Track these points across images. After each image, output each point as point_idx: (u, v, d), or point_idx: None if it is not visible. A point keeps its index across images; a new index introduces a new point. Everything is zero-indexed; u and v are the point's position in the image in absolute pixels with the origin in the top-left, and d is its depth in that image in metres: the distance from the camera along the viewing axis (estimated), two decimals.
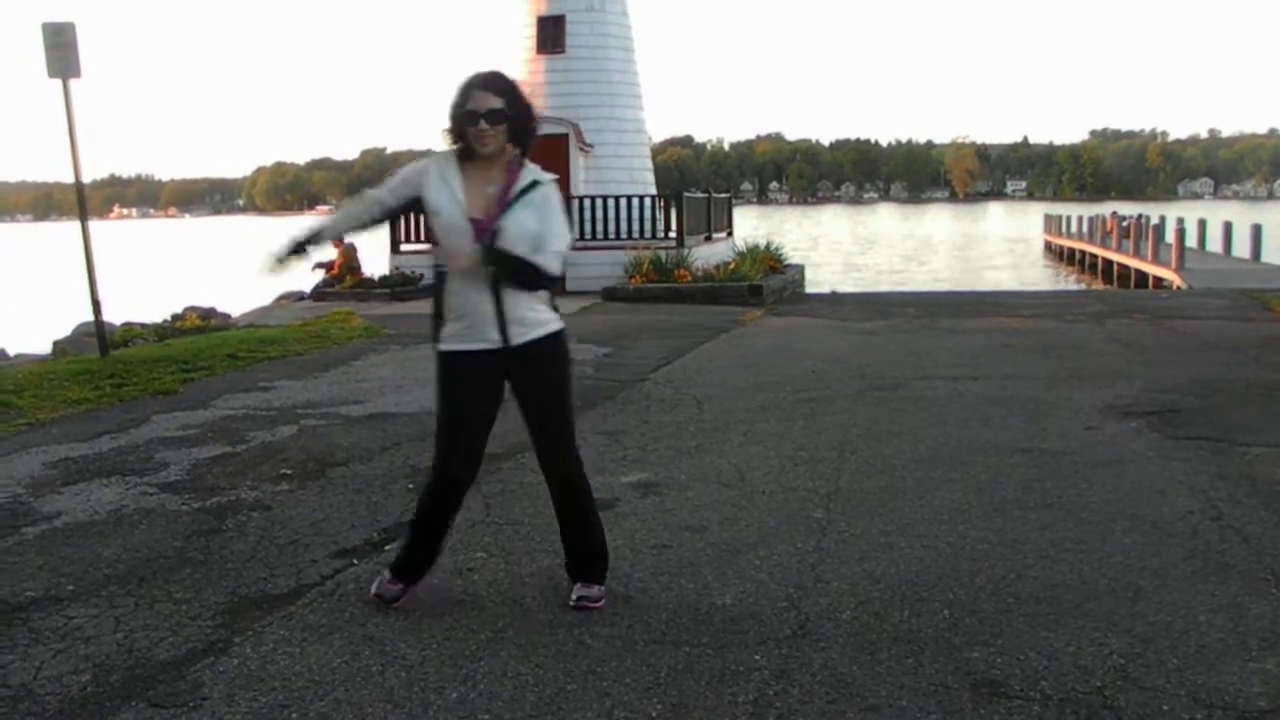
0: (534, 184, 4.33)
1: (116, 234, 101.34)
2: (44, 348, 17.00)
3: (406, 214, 4.72)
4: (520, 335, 4.35)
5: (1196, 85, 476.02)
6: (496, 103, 4.24)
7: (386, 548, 5.39)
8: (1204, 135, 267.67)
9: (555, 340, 4.46)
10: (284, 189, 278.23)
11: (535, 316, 4.38)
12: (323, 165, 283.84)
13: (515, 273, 4.27)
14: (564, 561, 4.70)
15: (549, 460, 4.60)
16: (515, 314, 4.32)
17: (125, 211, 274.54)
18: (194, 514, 6.03)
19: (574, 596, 4.56)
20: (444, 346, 4.44)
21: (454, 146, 4.35)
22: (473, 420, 4.49)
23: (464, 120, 4.25)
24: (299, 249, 4.54)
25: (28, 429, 8.31)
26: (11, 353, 18.35)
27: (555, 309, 4.51)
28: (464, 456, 4.51)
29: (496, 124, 4.24)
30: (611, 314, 16.42)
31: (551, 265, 4.31)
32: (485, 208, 4.28)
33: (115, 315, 17.05)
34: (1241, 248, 35.04)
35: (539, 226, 4.29)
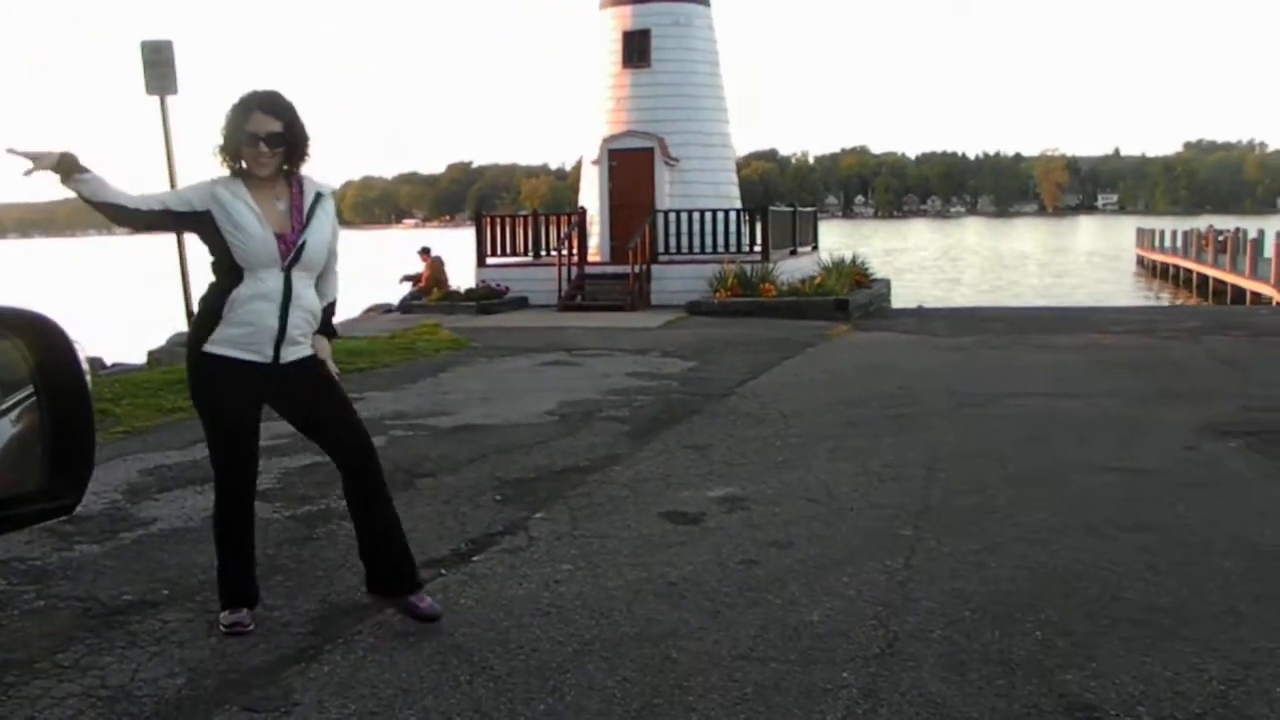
0: (319, 196, 4.41)
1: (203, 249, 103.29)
2: (139, 358, 17.37)
3: (176, 231, 4.59)
4: (289, 355, 4.36)
5: None
6: (276, 126, 4.24)
7: (474, 558, 5.42)
8: None
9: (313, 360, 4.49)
10: (372, 203, 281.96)
11: (308, 341, 4.45)
12: (410, 179, 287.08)
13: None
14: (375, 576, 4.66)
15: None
16: (293, 335, 4.35)
17: None
18: (285, 522, 6.12)
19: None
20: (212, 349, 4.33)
21: (228, 168, 4.31)
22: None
23: (242, 141, 4.23)
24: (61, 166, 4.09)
25: (125, 436, 8.50)
26: (109, 362, 18.78)
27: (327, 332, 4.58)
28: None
29: (275, 148, 4.25)
30: (696, 328, 16.42)
31: (338, 288, 4.61)
32: (279, 223, 4.29)
33: None
34: None
35: (331, 239, 4.42)
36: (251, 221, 4.24)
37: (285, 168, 4.36)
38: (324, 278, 4.50)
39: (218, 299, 4.31)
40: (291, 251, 4.28)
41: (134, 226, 4.39)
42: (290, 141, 4.30)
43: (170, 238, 12.11)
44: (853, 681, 3.93)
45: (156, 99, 11.85)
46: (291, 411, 4.54)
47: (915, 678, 3.95)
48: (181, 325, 13.18)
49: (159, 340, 18.56)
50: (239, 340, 4.28)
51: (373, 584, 4.63)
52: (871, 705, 3.74)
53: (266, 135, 4.23)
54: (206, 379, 4.40)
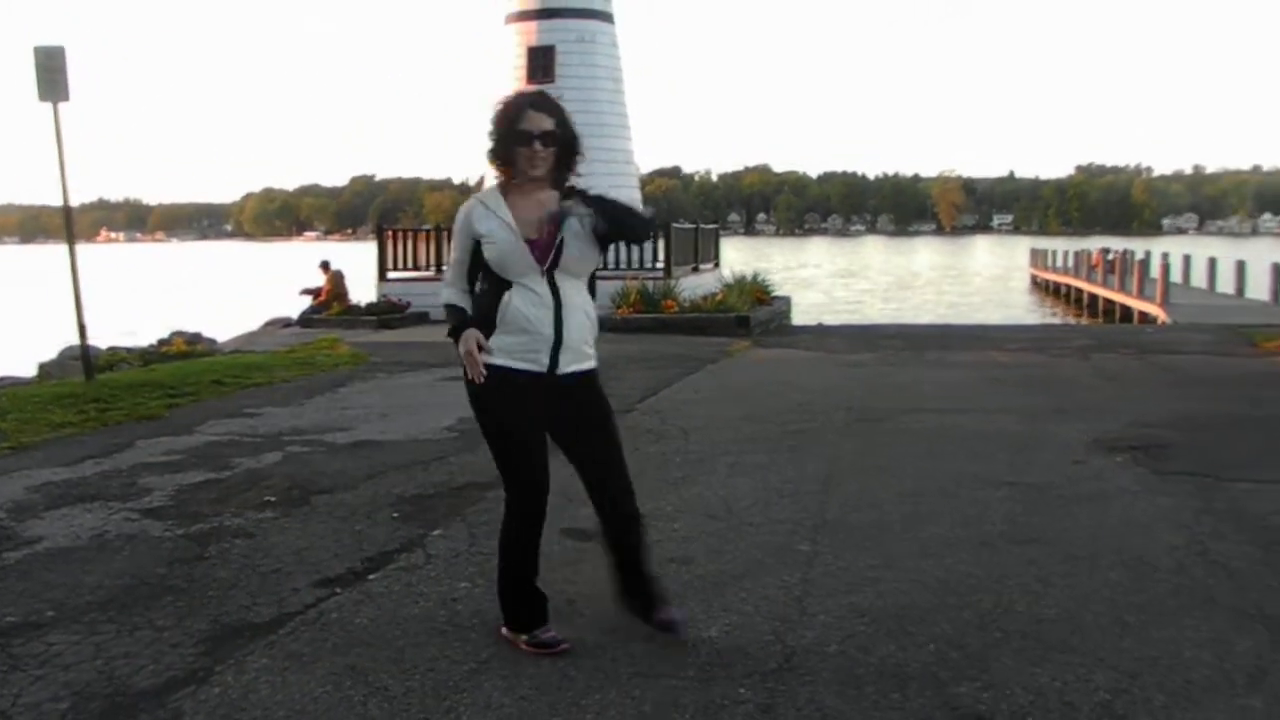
0: (578, 194, 4.27)
1: (103, 257, 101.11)
2: (29, 370, 16.93)
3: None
4: (568, 365, 4.28)
5: (1181, 122, 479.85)
6: (549, 123, 4.21)
7: (370, 577, 5.36)
8: (1188, 171, 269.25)
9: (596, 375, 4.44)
10: (272, 214, 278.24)
11: (590, 350, 4.38)
12: (311, 191, 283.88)
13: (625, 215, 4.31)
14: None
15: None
16: (570, 342, 4.27)
17: (113, 235, 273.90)
18: (177, 540, 5.99)
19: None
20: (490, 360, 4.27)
21: (499, 173, 4.29)
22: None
23: (517, 139, 4.19)
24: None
25: (11, 453, 8.27)
26: None
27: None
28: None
29: (549, 146, 4.21)
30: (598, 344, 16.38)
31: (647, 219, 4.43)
32: (537, 229, 4.20)
33: (100, 339, 16.96)
34: (1226, 283, 35.29)
35: (591, 236, 4.24)
36: (502, 232, 4.20)
37: (558, 174, 4.29)
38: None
39: (489, 307, 4.25)
40: (549, 255, 4.18)
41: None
42: (562, 140, 4.23)
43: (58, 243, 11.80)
44: (750, 697, 3.95)
45: (49, 105, 11.55)
46: (562, 430, 4.47)
47: (812, 692, 3.98)
48: (73, 337, 12.87)
49: (50, 353, 18.12)
50: (514, 348, 4.23)
51: (628, 605, 4.58)
52: None
53: (541, 133, 4.17)
54: (486, 390, 4.29)
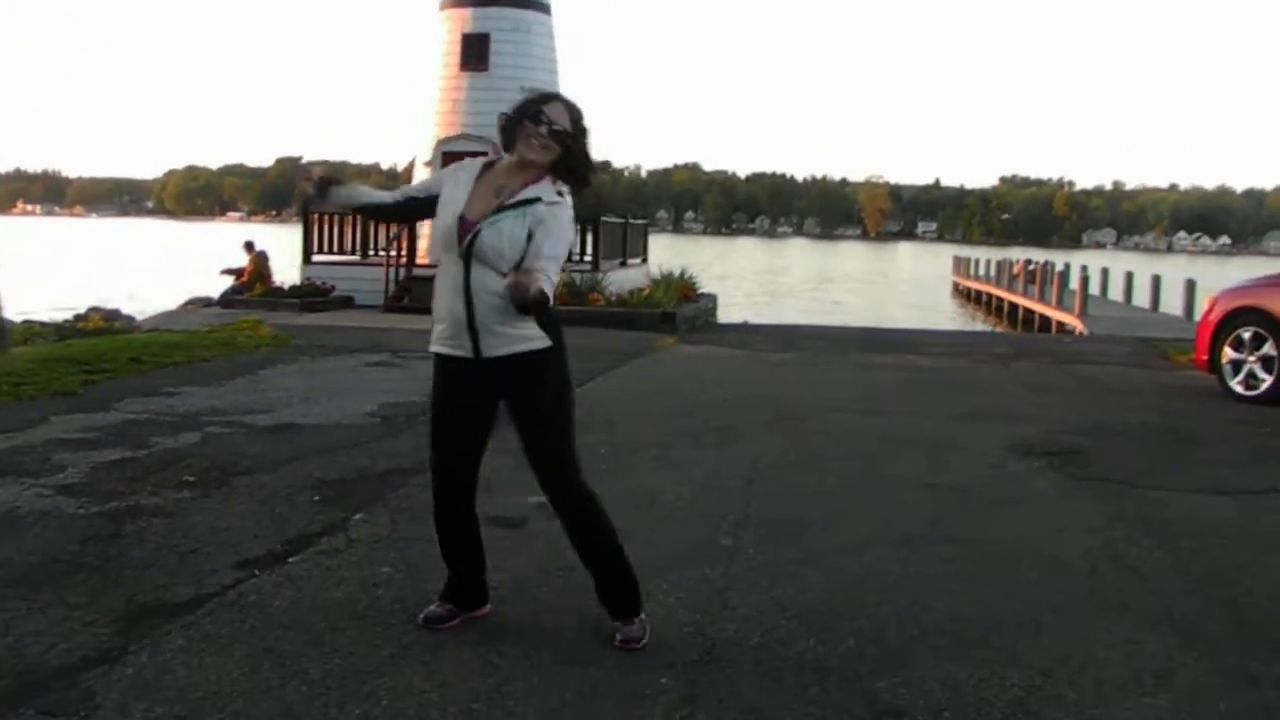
0: (534, 200, 4.15)
1: (19, 230, 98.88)
2: None
3: (420, 217, 4.61)
4: (493, 348, 4.19)
5: (1103, 139, 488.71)
6: (566, 123, 4.18)
7: (290, 559, 5.29)
8: (1108, 187, 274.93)
9: (537, 357, 4.25)
10: (195, 193, 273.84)
11: (514, 332, 4.17)
12: (235, 171, 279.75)
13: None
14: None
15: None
16: (487, 324, 4.17)
17: (30, 208, 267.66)
18: (91, 518, 5.88)
19: (617, 638, 4.38)
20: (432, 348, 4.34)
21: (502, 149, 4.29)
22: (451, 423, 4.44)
23: (526, 114, 4.17)
24: (324, 186, 4.37)
25: None
26: None
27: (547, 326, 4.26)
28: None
29: (554, 140, 4.16)
30: None
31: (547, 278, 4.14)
32: (484, 211, 4.16)
33: (15, 312, 16.59)
34: (1142, 297, 36.00)
35: (521, 237, 4.09)
36: (446, 201, 4.22)
37: (557, 177, 4.22)
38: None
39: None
40: (467, 236, 4.13)
41: (396, 219, 4.74)
42: (571, 148, 4.18)
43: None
44: (672, 687, 3.97)
45: None
46: (509, 409, 4.43)
47: (732, 684, 4.01)
48: None
49: None
50: (442, 336, 4.28)
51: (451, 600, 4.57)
52: (690, 710, 3.78)
53: (554, 122, 4.13)
54: (435, 375, 4.41)
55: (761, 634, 4.52)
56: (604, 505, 4.52)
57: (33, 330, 15.74)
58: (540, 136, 4.15)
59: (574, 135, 4.21)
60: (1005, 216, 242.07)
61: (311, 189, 4.43)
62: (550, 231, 4.12)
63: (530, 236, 4.10)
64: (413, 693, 3.86)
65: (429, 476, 4.55)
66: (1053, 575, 5.41)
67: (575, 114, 4.25)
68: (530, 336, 4.19)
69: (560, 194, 4.22)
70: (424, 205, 4.40)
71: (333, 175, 4.42)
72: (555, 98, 4.29)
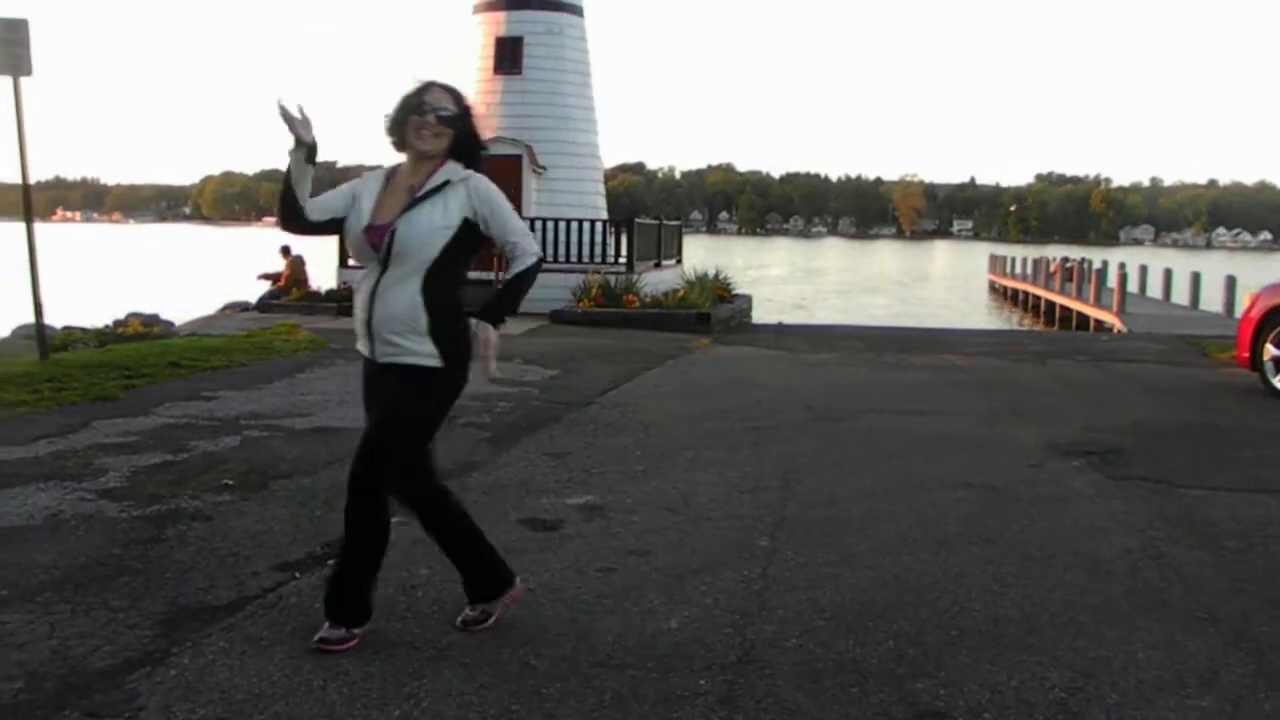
0: (446, 184, 4.19)
1: (59, 237, 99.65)
2: None
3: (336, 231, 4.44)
4: (385, 355, 4.23)
5: (1140, 135, 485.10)
6: (450, 107, 4.19)
7: (329, 562, 5.31)
8: (1146, 183, 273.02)
9: (421, 371, 4.20)
10: (232, 199, 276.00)
11: (406, 344, 4.16)
12: (271, 177, 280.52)
13: (512, 305, 4.39)
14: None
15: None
16: (380, 332, 4.20)
17: (69, 215, 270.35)
18: (133, 522, 5.94)
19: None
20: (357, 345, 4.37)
21: (394, 146, 4.27)
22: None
23: (412, 108, 4.17)
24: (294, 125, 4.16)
25: None
26: None
27: (449, 344, 4.22)
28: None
29: (444, 125, 4.17)
30: (558, 337, 16.41)
31: (527, 248, 4.32)
32: (396, 212, 4.17)
33: (56, 319, 16.77)
34: (1181, 294, 35.70)
35: (443, 222, 4.13)
36: (356, 215, 4.22)
37: (450, 157, 4.24)
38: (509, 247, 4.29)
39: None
40: (383, 240, 4.14)
41: (302, 232, 4.36)
42: (461, 130, 4.21)
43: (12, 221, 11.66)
44: (710, 689, 3.97)
45: (9, 80, 11.39)
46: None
47: (771, 685, 4.01)
48: (28, 316, 12.73)
49: (3, 331, 17.89)
50: (358, 334, 4.29)
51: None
52: (728, 712, 3.78)
53: (439, 110, 4.16)
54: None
55: (800, 635, 4.51)
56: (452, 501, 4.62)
57: (73, 336, 15.89)
58: (429, 126, 4.17)
59: (460, 117, 4.23)
60: (1022, 215, 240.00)
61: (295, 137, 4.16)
62: (494, 211, 4.23)
63: (465, 221, 4.18)
64: (452, 694, 3.88)
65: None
66: (1092, 576, 5.37)
67: (456, 95, 4.26)
68: (421, 353, 4.18)
69: (466, 170, 4.26)
70: (338, 226, 4.32)
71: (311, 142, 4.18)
72: (433, 84, 4.24)
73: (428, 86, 4.23)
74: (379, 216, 4.19)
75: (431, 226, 4.13)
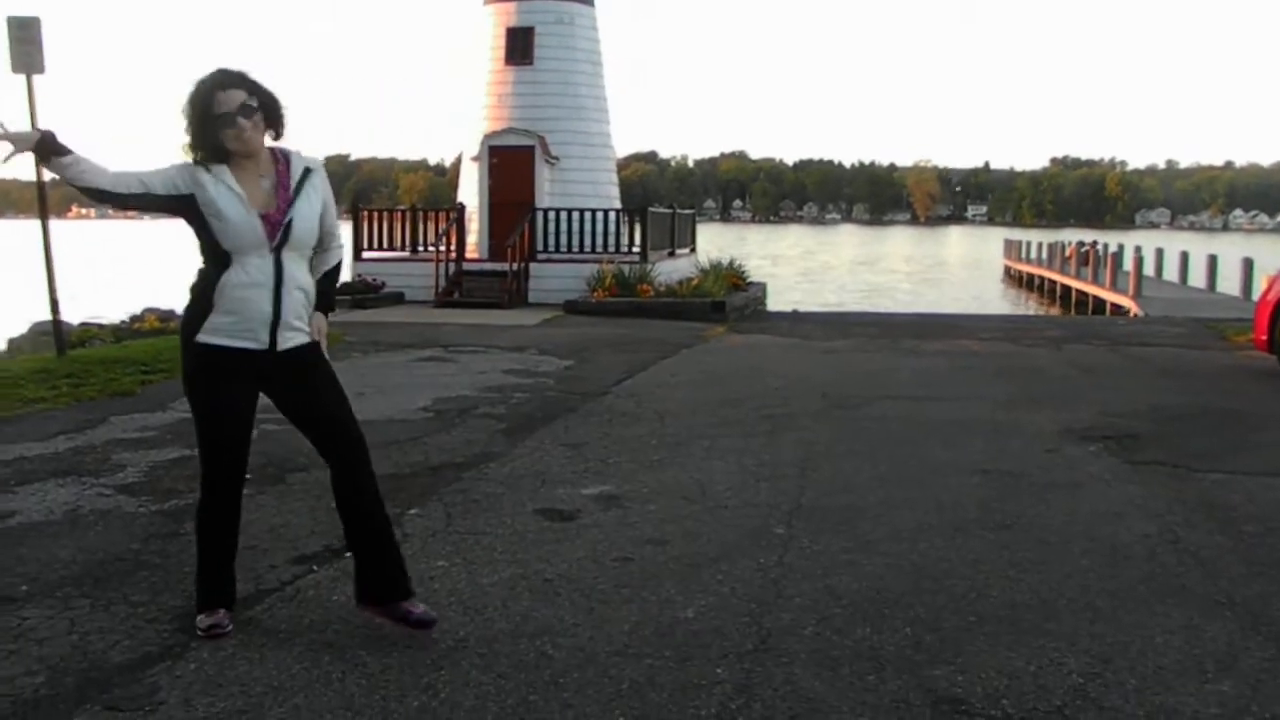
0: (307, 171, 4.27)
1: (74, 234, 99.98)
2: None
3: (158, 213, 4.37)
4: (287, 341, 4.24)
5: (1155, 117, 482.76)
6: (241, 95, 4.11)
7: (346, 555, 5.33)
8: (1161, 166, 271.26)
9: (313, 348, 4.37)
10: None
11: (302, 326, 4.31)
12: None
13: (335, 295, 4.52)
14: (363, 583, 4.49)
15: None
16: (288, 319, 4.22)
17: (84, 211, 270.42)
18: (151, 516, 5.97)
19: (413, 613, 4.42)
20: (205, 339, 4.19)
21: (196, 158, 4.15)
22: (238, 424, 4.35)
23: (218, 125, 4.07)
24: (42, 152, 4.03)
25: None
26: None
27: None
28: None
29: (252, 116, 4.12)
30: (573, 327, 16.42)
31: (340, 259, 4.59)
32: (265, 203, 4.17)
33: (72, 315, 16.85)
34: (1197, 277, 35.53)
35: (323, 214, 4.31)
36: (230, 204, 4.09)
37: (269, 141, 4.23)
38: (321, 253, 4.40)
39: (206, 286, 4.16)
40: (278, 232, 4.14)
41: (118, 207, 4.31)
42: (263, 104, 4.16)
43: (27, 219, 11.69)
44: (727, 677, 3.97)
45: (22, 77, 11.43)
46: (285, 401, 4.37)
47: (788, 673, 4.01)
48: (45, 313, 12.78)
49: (20, 328, 17.97)
50: (231, 328, 4.13)
51: (363, 594, 4.44)
52: (745, 700, 3.78)
53: (239, 108, 4.08)
54: (201, 370, 4.22)
55: (817, 623, 4.51)
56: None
57: (90, 332, 15.97)
58: (244, 129, 4.10)
59: (251, 93, 4.14)
60: (1036, 199, 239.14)
61: (12, 148, 4.01)
62: (329, 207, 4.38)
63: (323, 207, 4.32)
64: (470, 685, 3.89)
65: (209, 486, 4.40)
66: (1110, 561, 5.36)
67: (231, 78, 4.14)
68: (307, 333, 4.33)
69: (310, 156, 4.34)
70: (163, 202, 4.17)
71: (49, 141, 4.02)
72: (210, 90, 4.09)
73: (208, 97, 4.08)
74: (257, 206, 4.15)
75: (313, 215, 4.28)
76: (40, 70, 11.47)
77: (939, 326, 18.12)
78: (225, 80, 4.12)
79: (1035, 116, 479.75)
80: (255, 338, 4.17)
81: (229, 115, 4.07)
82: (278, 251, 4.16)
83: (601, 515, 6.12)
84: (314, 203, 4.26)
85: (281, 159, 4.28)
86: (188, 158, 4.16)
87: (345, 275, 20.87)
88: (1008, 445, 8.02)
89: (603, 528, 5.87)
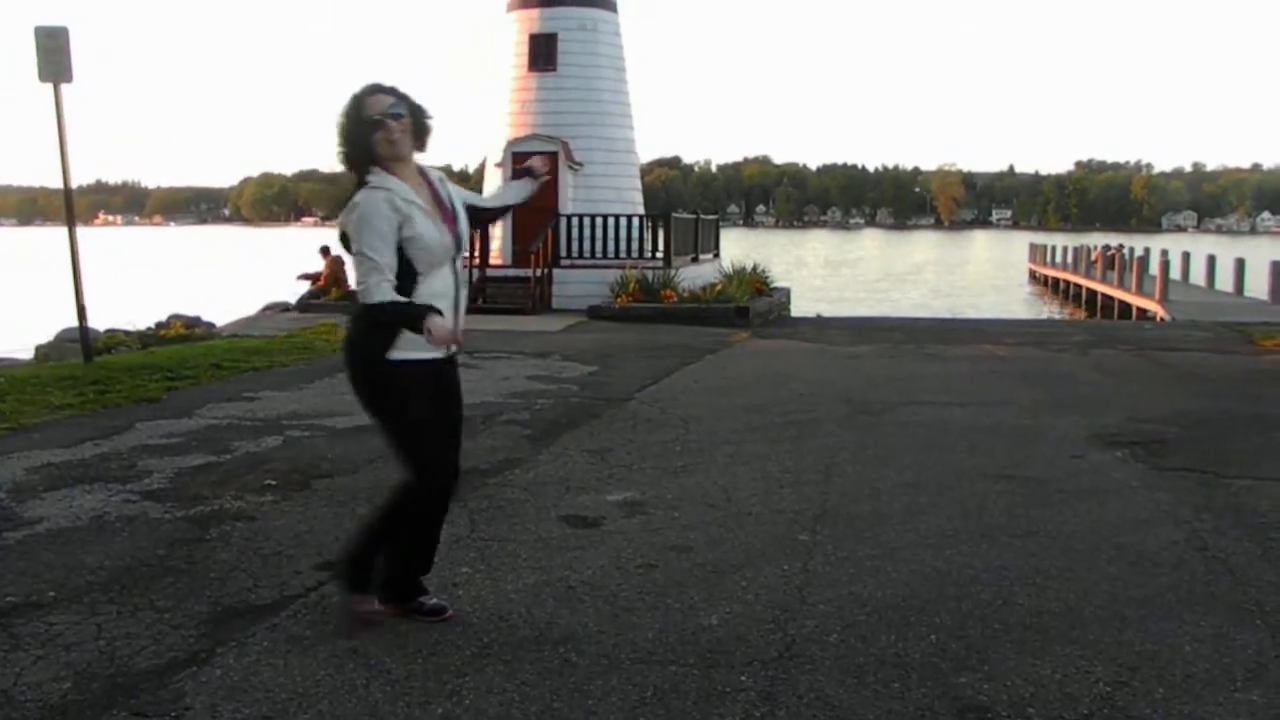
0: (441, 180, 4.45)
1: (101, 240, 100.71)
2: (27, 353, 16.91)
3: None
4: (452, 346, 4.37)
5: (1181, 119, 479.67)
6: (390, 101, 4.23)
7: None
8: (1188, 168, 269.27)
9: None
10: (270, 200, 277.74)
11: None
12: (310, 177, 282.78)
13: None
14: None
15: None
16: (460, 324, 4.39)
17: (110, 218, 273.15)
18: (177, 522, 5.99)
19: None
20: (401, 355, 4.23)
21: (358, 173, 4.23)
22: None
23: (369, 129, 4.18)
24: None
25: (10, 434, 8.26)
26: None
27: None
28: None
29: (401, 119, 4.22)
30: (597, 333, 16.43)
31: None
32: (436, 211, 4.29)
33: (99, 322, 16.96)
34: (1225, 281, 35.22)
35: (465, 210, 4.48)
36: (428, 227, 4.20)
37: (415, 149, 4.33)
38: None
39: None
40: (457, 241, 4.32)
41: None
42: (411, 111, 4.27)
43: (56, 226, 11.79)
44: (751, 685, 3.96)
45: (50, 86, 11.53)
46: (438, 405, 4.43)
47: (813, 681, 3.99)
48: (71, 320, 12.86)
49: (48, 335, 18.11)
50: (422, 341, 4.11)
51: (392, 595, 4.55)
52: (770, 708, 3.77)
53: (390, 110, 4.20)
54: (409, 385, 4.26)
55: (841, 630, 4.49)
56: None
57: (116, 339, 16.08)
58: (394, 130, 4.20)
59: (400, 99, 4.26)
60: (1061, 203, 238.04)
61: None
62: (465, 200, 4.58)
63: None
64: (494, 691, 3.89)
65: (429, 495, 4.44)
66: (1137, 568, 5.32)
67: (381, 89, 4.27)
68: None
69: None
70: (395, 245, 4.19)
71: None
72: (361, 98, 4.23)
73: (359, 105, 4.22)
74: (442, 218, 4.29)
75: (465, 220, 4.44)
76: (68, 79, 11.57)
77: (964, 331, 18.06)
78: (376, 89, 4.28)
79: (1060, 119, 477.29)
80: (440, 347, 4.27)
81: (380, 116, 4.19)
82: (454, 261, 4.31)
83: (625, 522, 6.12)
84: (460, 206, 4.42)
85: (426, 172, 4.40)
86: (343, 166, 4.30)
87: None
88: (1034, 451, 7.98)
89: (627, 534, 5.86)
